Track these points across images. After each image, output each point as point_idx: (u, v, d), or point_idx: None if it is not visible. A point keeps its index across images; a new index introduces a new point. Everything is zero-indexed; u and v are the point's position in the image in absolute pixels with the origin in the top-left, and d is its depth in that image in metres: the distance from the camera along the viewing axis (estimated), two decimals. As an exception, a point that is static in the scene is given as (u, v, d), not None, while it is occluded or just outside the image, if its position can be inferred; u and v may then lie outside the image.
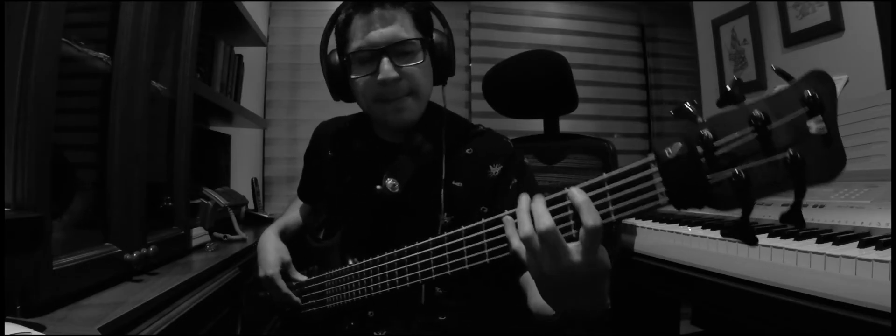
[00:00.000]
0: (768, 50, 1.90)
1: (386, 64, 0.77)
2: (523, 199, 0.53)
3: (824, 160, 0.38)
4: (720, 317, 1.64)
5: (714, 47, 2.16)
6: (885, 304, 0.69)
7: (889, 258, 0.71)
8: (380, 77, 0.77)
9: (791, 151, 0.38)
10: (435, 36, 0.84)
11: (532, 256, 0.52)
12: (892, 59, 1.42)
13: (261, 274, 0.93)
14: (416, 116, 0.84)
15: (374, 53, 0.78)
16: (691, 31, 2.32)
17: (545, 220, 0.49)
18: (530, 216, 0.51)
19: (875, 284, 0.71)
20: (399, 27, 0.78)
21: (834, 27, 1.61)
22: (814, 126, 0.38)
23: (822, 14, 1.64)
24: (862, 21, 1.53)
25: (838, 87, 1.20)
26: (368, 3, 0.78)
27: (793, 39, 1.77)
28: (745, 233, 0.44)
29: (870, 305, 0.71)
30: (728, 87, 0.42)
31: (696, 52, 2.29)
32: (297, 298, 0.92)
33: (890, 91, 1.19)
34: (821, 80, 0.38)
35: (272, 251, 0.94)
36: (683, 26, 2.54)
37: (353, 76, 0.81)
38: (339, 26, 0.82)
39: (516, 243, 0.53)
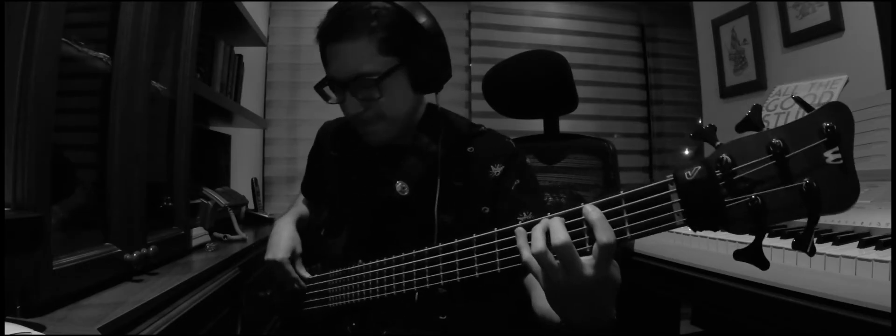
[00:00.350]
0: (768, 50, 1.90)
1: (349, 100, 0.80)
2: (543, 219, 0.54)
3: (839, 190, 0.39)
4: (720, 317, 1.64)
5: (714, 47, 2.16)
6: (885, 304, 0.69)
7: (889, 258, 0.71)
8: (346, 111, 0.81)
9: (807, 180, 0.39)
10: (413, 49, 0.79)
11: (542, 270, 0.52)
12: (892, 59, 1.41)
13: (269, 256, 0.92)
14: (390, 135, 0.84)
15: (340, 85, 0.80)
16: (691, 31, 2.32)
17: (561, 236, 0.50)
18: (545, 233, 0.52)
19: (875, 284, 0.71)
20: (359, 61, 0.77)
21: (834, 27, 1.61)
22: (830, 157, 0.39)
23: (822, 14, 1.64)
24: (862, 21, 1.53)
25: (838, 87, 1.20)
26: (332, 34, 0.78)
27: (793, 39, 1.77)
28: (757, 257, 0.45)
29: (870, 305, 0.71)
30: (748, 112, 0.43)
31: (696, 52, 2.29)
32: (303, 283, 0.91)
33: (890, 91, 1.19)
34: (839, 111, 0.39)
35: (287, 238, 0.94)
36: (683, 26, 2.54)
37: (328, 103, 0.85)
38: (319, 47, 0.83)
39: (527, 255, 0.53)
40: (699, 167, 0.44)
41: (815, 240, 0.44)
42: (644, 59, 2.78)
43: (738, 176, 0.43)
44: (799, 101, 0.42)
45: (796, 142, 0.40)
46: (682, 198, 0.45)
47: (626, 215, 0.49)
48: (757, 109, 0.43)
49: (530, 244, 0.53)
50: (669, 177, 0.46)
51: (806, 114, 0.41)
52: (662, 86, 2.81)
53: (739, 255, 0.46)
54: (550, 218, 0.53)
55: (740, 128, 0.43)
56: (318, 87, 0.85)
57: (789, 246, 0.85)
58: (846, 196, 0.39)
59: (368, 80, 0.77)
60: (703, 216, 0.45)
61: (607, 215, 0.49)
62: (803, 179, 0.40)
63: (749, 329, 0.95)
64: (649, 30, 2.80)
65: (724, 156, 0.43)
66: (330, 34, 0.78)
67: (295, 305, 0.94)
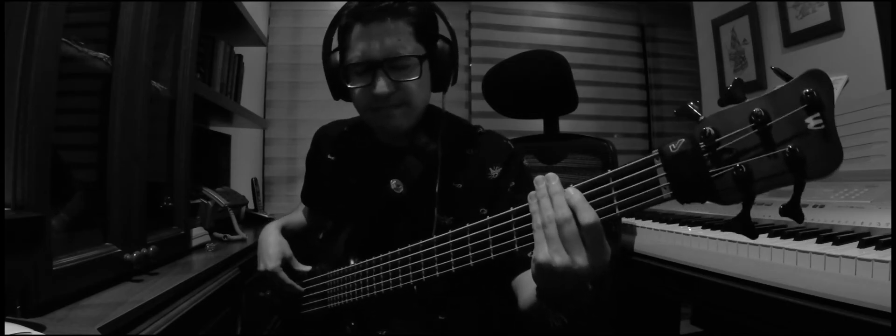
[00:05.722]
0: (768, 50, 1.90)
1: (381, 79, 0.78)
2: (540, 184, 0.53)
3: (822, 155, 0.40)
4: (720, 317, 1.65)
5: (714, 47, 2.16)
6: (885, 304, 0.69)
7: (889, 258, 0.71)
8: (375, 91, 0.78)
9: (790, 146, 0.40)
10: (438, 44, 0.82)
11: (545, 245, 0.51)
12: (892, 59, 1.41)
13: (261, 267, 0.92)
14: (408, 124, 0.84)
15: (371, 65, 0.78)
16: (691, 31, 2.32)
17: (588, 216, 0.49)
18: (550, 202, 0.51)
19: (875, 284, 0.71)
20: (397, 41, 0.77)
21: (834, 27, 1.61)
22: (812, 122, 0.40)
23: (822, 14, 1.64)
24: (862, 21, 1.53)
25: (838, 87, 1.20)
26: (369, 13, 0.77)
27: (793, 39, 1.77)
28: (745, 226, 0.45)
29: (870, 305, 0.71)
30: (729, 86, 0.44)
31: (696, 52, 2.29)
32: (300, 287, 0.91)
33: (890, 91, 1.19)
34: (818, 78, 0.40)
35: (274, 245, 0.93)
36: (683, 26, 2.54)
37: (349, 86, 0.82)
38: (340, 30, 0.82)
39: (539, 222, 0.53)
40: (683, 140, 0.45)
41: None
42: (644, 59, 2.78)
43: (721, 146, 0.43)
44: (778, 72, 0.43)
45: (778, 110, 0.41)
46: (667, 171, 0.46)
47: (614, 192, 0.49)
48: (738, 83, 0.44)
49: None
50: (655, 152, 0.47)
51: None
52: (662, 86, 2.81)
53: (729, 225, 0.46)
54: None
55: (723, 101, 0.44)
56: (343, 70, 0.81)
57: (789, 246, 0.86)
58: (830, 160, 0.39)
59: (410, 59, 0.78)
60: (690, 188, 0.45)
61: (596, 193, 0.50)
62: (787, 146, 0.40)
63: (749, 329, 0.95)
64: (649, 30, 2.80)
65: (708, 128, 0.44)
66: (366, 13, 0.77)
67: (295, 306, 0.94)
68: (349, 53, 0.80)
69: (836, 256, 0.77)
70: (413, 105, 0.82)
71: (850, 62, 1.54)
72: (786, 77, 0.42)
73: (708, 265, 1.02)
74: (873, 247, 0.79)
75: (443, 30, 0.84)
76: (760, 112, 0.41)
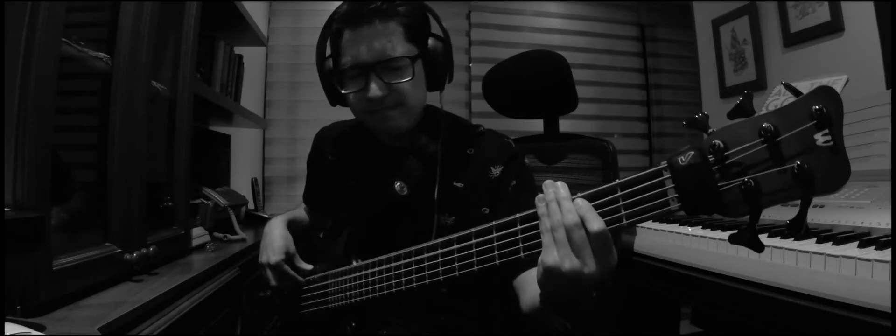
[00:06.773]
0: (768, 50, 1.90)
1: (373, 83, 0.78)
2: (548, 188, 0.53)
3: (830, 171, 0.40)
4: (720, 317, 1.65)
5: (714, 47, 2.16)
6: (885, 304, 0.69)
7: (889, 258, 0.71)
8: (368, 95, 0.78)
9: (798, 162, 0.40)
10: (430, 43, 0.82)
11: (554, 249, 0.51)
12: (892, 59, 1.41)
13: (263, 260, 0.91)
14: (407, 124, 0.84)
15: (363, 69, 0.78)
16: (691, 31, 2.31)
17: (595, 225, 0.49)
18: (558, 206, 0.52)
19: (875, 284, 0.71)
20: (387, 43, 0.77)
21: (834, 27, 1.61)
22: (821, 139, 0.40)
23: (822, 14, 1.64)
24: (862, 21, 1.52)
25: (838, 88, 1.20)
26: (357, 17, 0.77)
27: (793, 39, 1.77)
28: (752, 240, 0.45)
29: (870, 305, 0.71)
30: (740, 100, 0.44)
31: (696, 52, 2.29)
32: (301, 279, 0.91)
33: (890, 91, 1.19)
34: (828, 95, 0.40)
35: (278, 238, 0.93)
36: (683, 26, 2.54)
37: (343, 91, 0.82)
38: (331, 36, 0.82)
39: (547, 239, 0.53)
40: (692, 152, 0.45)
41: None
42: (644, 59, 2.78)
43: (730, 160, 0.44)
44: (788, 87, 0.43)
45: (787, 125, 0.41)
46: (676, 183, 0.46)
47: (622, 203, 0.49)
48: (748, 97, 0.44)
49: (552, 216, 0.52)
50: (664, 163, 0.47)
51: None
52: (662, 86, 2.81)
53: (734, 238, 0.47)
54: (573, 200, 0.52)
55: (732, 115, 0.44)
56: (336, 76, 0.81)
57: (789, 246, 0.86)
58: (837, 177, 0.40)
59: (402, 61, 0.78)
60: (698, 200, 0.45)
61: (604, 203, 0.50)
62: (795, 161, 0.41)
63: (749, 329, 0.95)
64: (649, 30, 2.80)
65: (717, 141, 0.44)
66: (356, 17, 0.77)
67: (295, 306, 0.94)
68: (341, 59, 0.80)
69: (836, 256, 0.77)
70: (409, 105, 0.82)
71: (850, 62, 1.54)
72: (796, 92, 0.42)
73: (708, 265, 1.02)
74: (873, 247, 0.79)
75: (435, 29, 0.84)
76: (770, 127, 0.41)
